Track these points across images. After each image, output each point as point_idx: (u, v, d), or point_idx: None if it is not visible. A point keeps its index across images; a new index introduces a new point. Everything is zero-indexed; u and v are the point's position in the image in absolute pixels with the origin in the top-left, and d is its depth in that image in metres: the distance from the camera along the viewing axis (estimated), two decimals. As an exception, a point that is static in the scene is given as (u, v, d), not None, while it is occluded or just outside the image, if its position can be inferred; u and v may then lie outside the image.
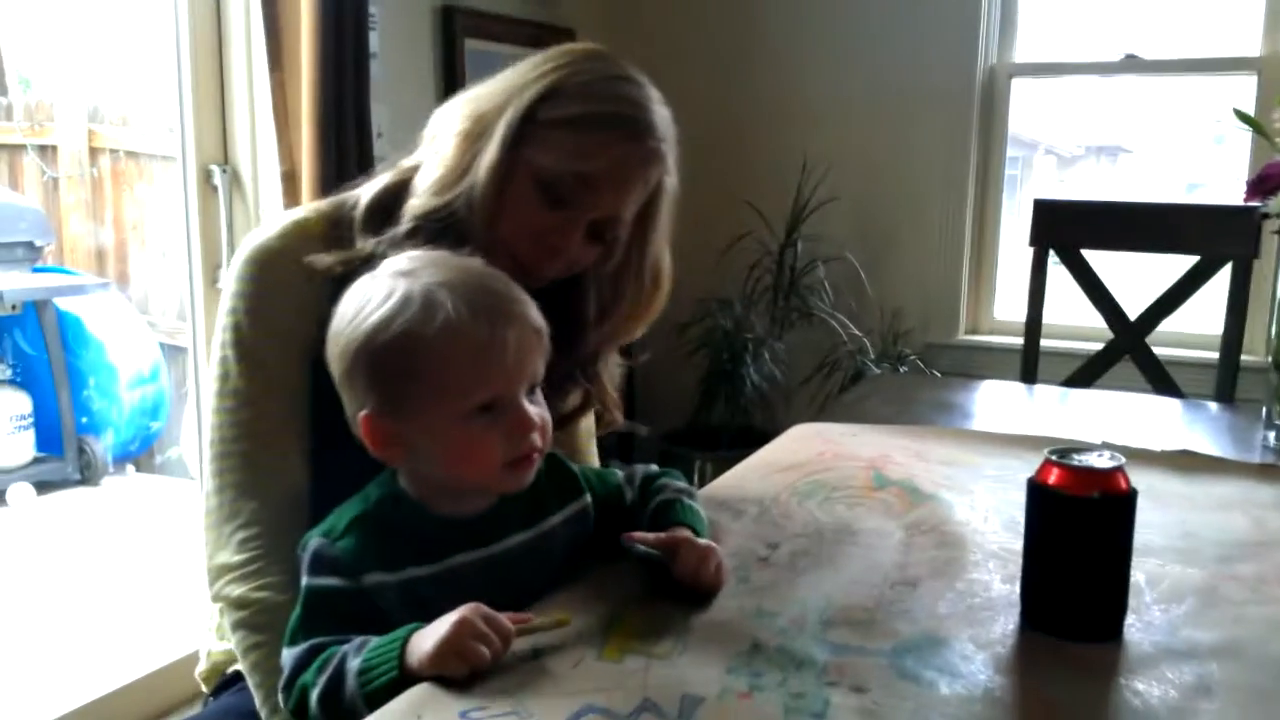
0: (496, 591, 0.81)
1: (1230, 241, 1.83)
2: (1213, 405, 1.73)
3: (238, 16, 2.21)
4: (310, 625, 0.82)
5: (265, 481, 1.00)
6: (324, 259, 1.00)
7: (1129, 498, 0.83)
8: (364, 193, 1.06)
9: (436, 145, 1.04)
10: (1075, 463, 0.84)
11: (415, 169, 1.05)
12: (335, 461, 0.92)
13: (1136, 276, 2.27)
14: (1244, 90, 2.75)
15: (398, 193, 1.04)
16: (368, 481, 0.89)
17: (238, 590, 0.97)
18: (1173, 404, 1.72)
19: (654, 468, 1.04)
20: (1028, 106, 3.07)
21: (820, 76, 3.14)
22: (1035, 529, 0.86)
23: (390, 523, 0.86)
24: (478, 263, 0.88)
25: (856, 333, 3.02)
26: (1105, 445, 0.89)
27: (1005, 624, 0.86)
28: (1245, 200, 1.36)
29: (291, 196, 2.17)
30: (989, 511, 1.10)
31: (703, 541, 0.91)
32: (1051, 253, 1.96)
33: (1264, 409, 1.40)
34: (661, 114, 1.06)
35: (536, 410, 0.85)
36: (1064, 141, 3.36)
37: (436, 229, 1.00)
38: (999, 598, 0.90)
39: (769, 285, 3.07)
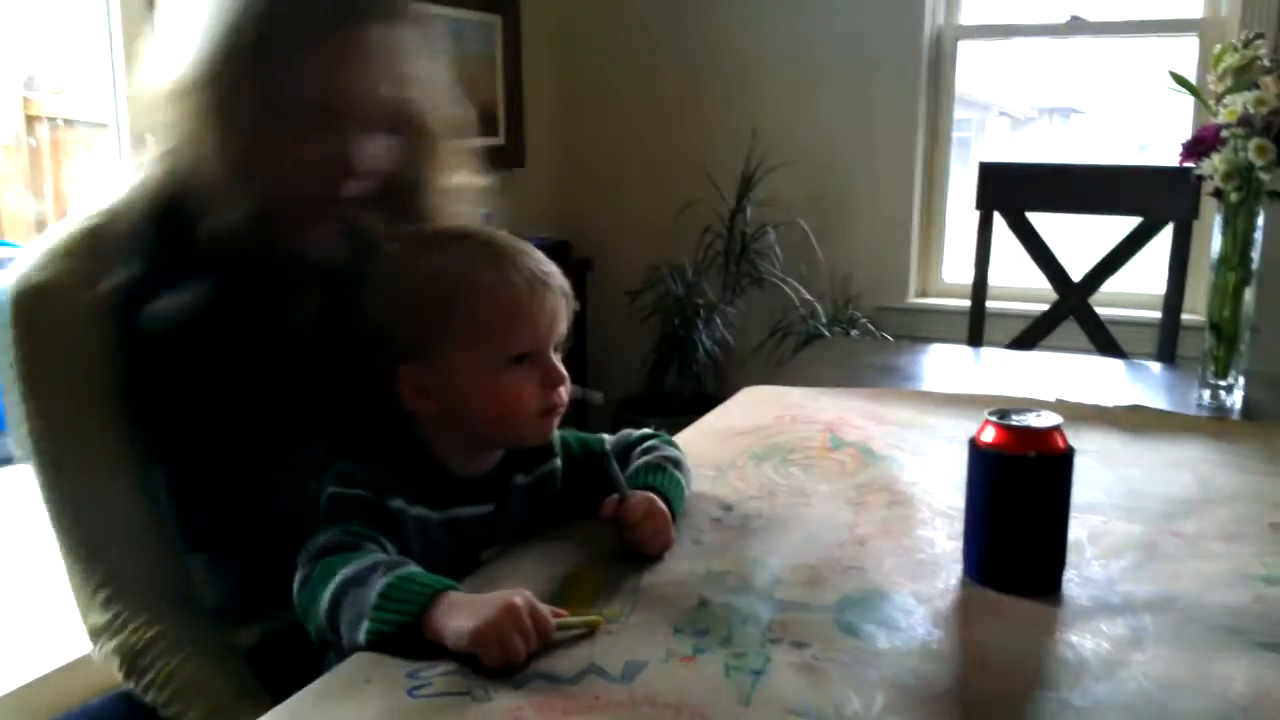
0: (454, 551, 0.86)
1: (1171, 203, 1.86)
2: (1154, 365, 1.76)
3: (172, -21, 2.16)
4: (336, 521, 0.84)
5: (102, 535, 0.94)
6: (103, 289, 0.90)
7: (1065, 456, 0.85)
8: (125, 207, 0.95)
9: (180, 142, 0.92)
10: (1013, 422, 0.86)
11: (170, 173, 0.95)
12: (194, 478, 0.93)
13: (1080, 238, 2.30)
14: (1187, 52, 2.79)
15: (171, 199, 0.94)
16: (235, 493, 0.94)
17: (116, 642, 0.93)
18: (1115, 364, 1.75)
19: (644, 431, 1.05)
20: (979, 68, 3.09)
21: (769, 41, 3.13)
22: (975, 487, 0.88)
23: (403, 468, 0.89)
24: (496, 231, 0.94)
25: (808, 297, 3.04)
26: (1058, 403, 0.91)
27: (948, 579, 0.88)
28: (1181, 162, 1.38)
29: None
30: (940, 471, 1.12)
31: (657, 503, 0.92)
32: (997, 215, 1.98)
33: (1200, 368, 1.44)
34: None
35: (560, 365, 0.91)
36: (1017, 103, 3.38)
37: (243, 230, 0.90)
38: (944, 554, 0.92)
39: (720, 251, 3.08)
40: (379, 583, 0.76)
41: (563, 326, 0.92)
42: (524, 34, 3.15)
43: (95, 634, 0.96)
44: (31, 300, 0.90)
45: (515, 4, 3.10)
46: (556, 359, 0.91)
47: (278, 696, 0.72)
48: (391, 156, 0.95)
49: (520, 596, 0.75)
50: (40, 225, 4.01)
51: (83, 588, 0.95)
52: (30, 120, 3.99)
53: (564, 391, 0.91)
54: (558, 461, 0.98)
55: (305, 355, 0.96)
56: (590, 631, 0.78)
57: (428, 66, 0.96)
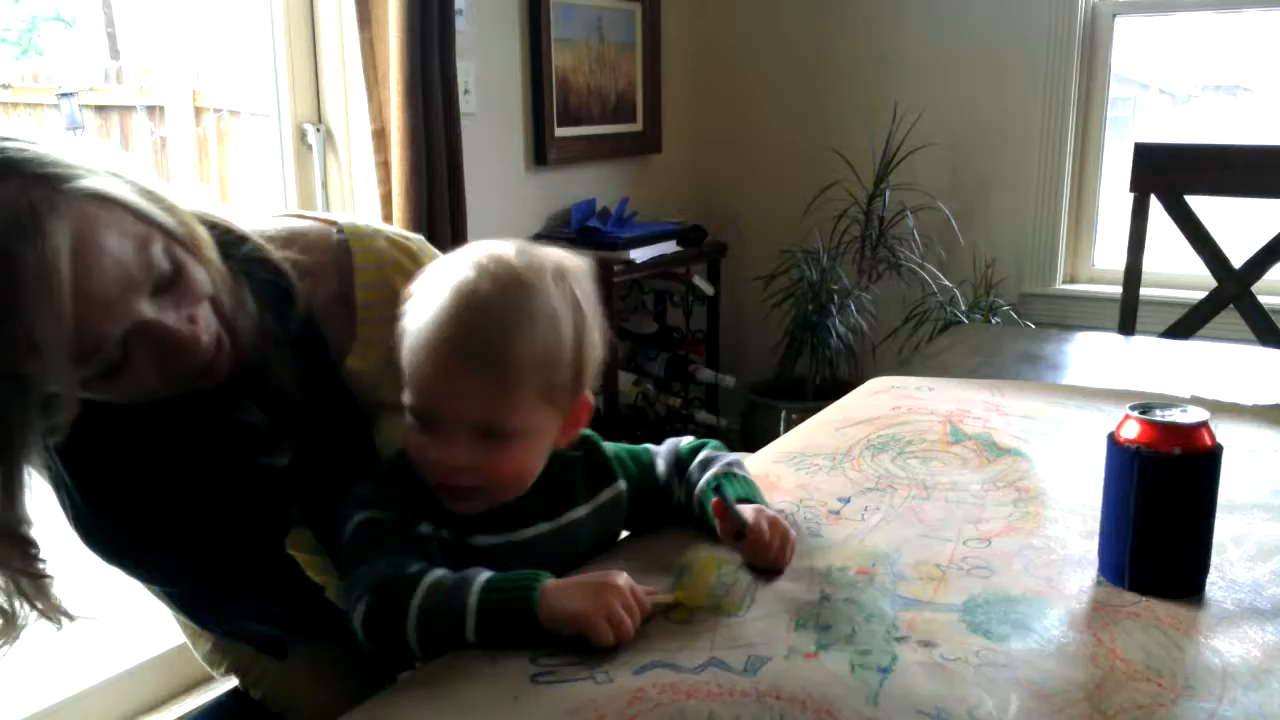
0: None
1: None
2: (1321, 357, 1.66)
3: (328, -24, 2.25)
4: (373, 551, 0.79)
5: None
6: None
7: (1213, 454, 0.81)
8: None
9: None
10: (1157, 418, 0.82)
11: None
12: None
13: (1243, 222, 2.18)
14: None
15: None
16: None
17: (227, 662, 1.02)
18: (1278, 355, 1.65)
19: (686, 440, 0.98)
20: (1137, 45, 2.93)
21: (913, 20, 3.05)
22: (1114, 485, 0.85)
23: (423, 495, 0.84)
24: (490, 281, 0.80)
25: (947, 283, 2.96)
26: (1194, 400, 0.87)
27: (1081, 580, 0.85)
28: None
29: (382, 153, 2.22)
30: (1069, 467, 1.09)
31: (768, 514, 0.88)
32: (1154, 198, 1.89)
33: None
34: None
35: (451, 450, 0.80)
36: (1179, 81, 3.19)
37: None
38: (1076, 554, 0.89)
39: (856, 236, 3.03)
40: (475, 584, 0.75)
41: (478, 412, 0.79)
42: (662, 21, 3.16)
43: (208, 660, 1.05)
44: None
45: (657, -6, 3.12)
46: (474, 444, 0.79)
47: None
48: (195, 289, 0.82)
49: (619, 575, 0.76)
50: (206, 211, 4.26)
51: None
52: (197, 111, 4.24)
53: (450, 478, 0.81)
54: (621, 483, 0.92)
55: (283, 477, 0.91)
56: (675, 606, 0.79)
57: (115, 241, 0.75)
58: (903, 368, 1.49)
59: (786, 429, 1.26)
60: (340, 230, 0.97)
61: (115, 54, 4.51)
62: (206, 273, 0.82)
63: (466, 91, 2.43)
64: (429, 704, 0.69)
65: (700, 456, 0.96)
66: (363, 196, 2.32)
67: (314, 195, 2.34)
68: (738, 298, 3.28)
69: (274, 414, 0.88)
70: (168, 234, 0.79)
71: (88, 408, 0.79)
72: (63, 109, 3.90)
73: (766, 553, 0.85)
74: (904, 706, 0.67)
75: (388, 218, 2.21)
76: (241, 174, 4.16)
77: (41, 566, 0.81)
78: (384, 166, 2.22)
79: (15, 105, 4.17)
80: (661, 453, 0.97)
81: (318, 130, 2.33)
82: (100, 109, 4.19)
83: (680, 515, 0.94)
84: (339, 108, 2.33)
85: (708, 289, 3.12)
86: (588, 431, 0.92)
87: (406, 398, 0.81)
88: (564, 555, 0.86)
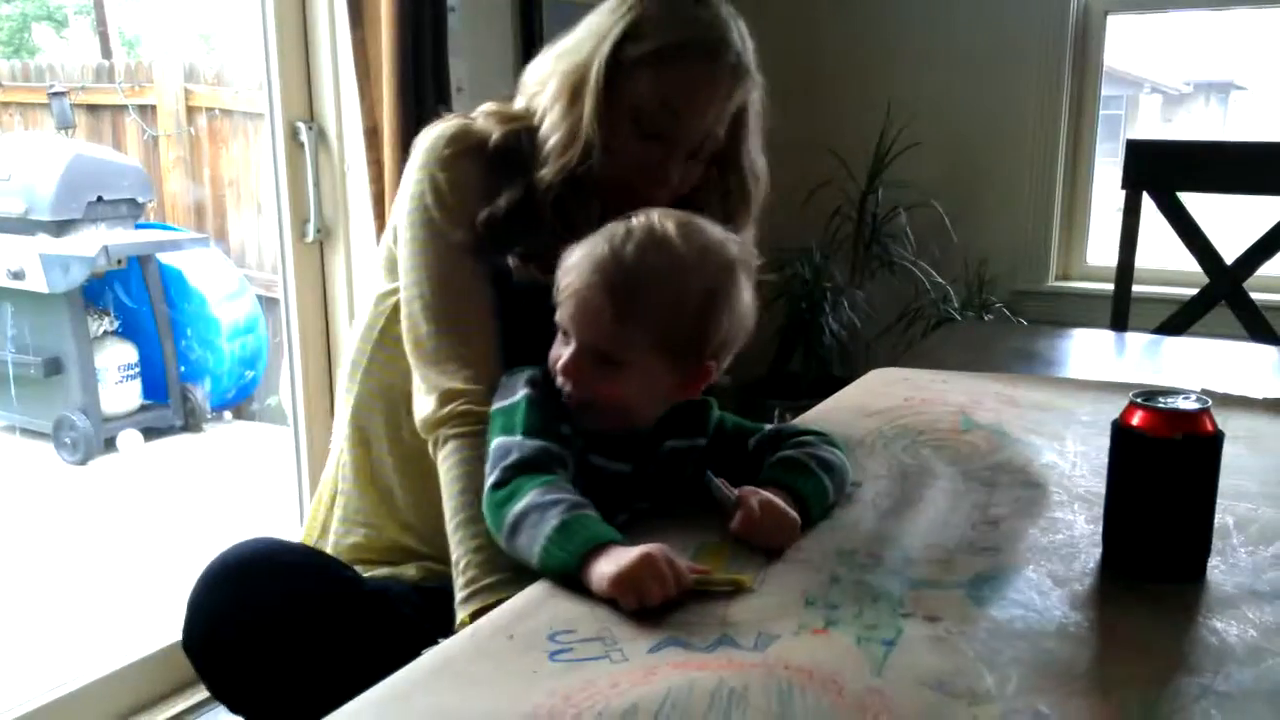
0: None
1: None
2: (1313, 351, 1.67)
3: (320, -27, 2.25)
4: (533, 423, 0.93)
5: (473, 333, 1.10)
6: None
7: (1214, 439, 0.83)
8: (490, 128, 1.15)
9: (544, 104, 1.12)
10: (1160, 404, 0.83)
11: (526, 116, 1.15)
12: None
13: (1234, 218, 2.19)
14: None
15: (518, 139, 1.13)
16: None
17: (470, 407, 1.06)
18: (1270, 351, 1.67)
19: (812, 429, 1.04)
20: (1129, 43, 2.96)
21: (905, 18, 3.07)
22: (1119, 470, 0.86)
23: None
24: (649, 235, 0.95)
25: (940, 280, 2.98)
26: (1204, 393, 0.88)
27: (1086, 562, 0.86)
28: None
29: (374, 151, 2.21)
30: (1078, 455, 1.10)
31: (776, 502, 0.90)
32: (1146, 195, 1.91)
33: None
34: (735, 30, 1.12)
35: (572, 359, 0.94)
36: (1171, 79, 3.22)
37: (568, 181, 1.10)
38: (1082, 537, 0.91)
39: (850, 233, 3.04)
40: (554, 518, 0.83)
41: (593, 332, 0.94)
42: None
43: (450, 397, 1.08)
44: (452, 165, 1.13)
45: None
46: (579, 356, 0.94)
47: None
48: (696, 181, 1.14)
49: (658, 548, 0.79)
50: (199, 210, 4.26)
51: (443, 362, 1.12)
52: (190, 110, 4.23)
53: (558, 378, 0.96)
54: (702, 441, 1.01)
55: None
56: (735, 590, 0.80)
57: (754, 147, 1.19)
58: (897, 365, 1.50)
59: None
60: None
61: (107, 54, 4.50)
62: (694, 177, 1.16)
63: (459, 90, 2.42)
64: (448, 680, 0.70)
65: (802, 436, 1.02)
66: (355, 195, 2.32)
67: (306, 193, 2.34)
68: (731, 296, 3.28)
69: None
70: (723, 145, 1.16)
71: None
72: (54, 108, 3.90)
73: (754, 532, 0.88)
74: (907, 678, 0.69)
75: (380, 216, 2.21)
76: (233, 172, 4.16)
77: None
78: (376, 165, 2.22)
79: (7, 104, 4.16)
80: (767, 430, 1.05)
81: (310, 128, 2.32)
82: (92, 108, 4.19)
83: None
84: (331, 106, 2.32)
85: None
86: (707, 399, 1.04)
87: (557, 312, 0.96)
88: (639, 492, 0.97)
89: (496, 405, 0.98)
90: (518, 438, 0.92)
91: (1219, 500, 0.85)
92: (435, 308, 1.08)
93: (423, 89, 2.20)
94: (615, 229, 0.96)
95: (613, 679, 0.68)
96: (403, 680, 0.70)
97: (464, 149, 1.13)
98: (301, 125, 2.32)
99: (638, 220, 0.96)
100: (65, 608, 2.61)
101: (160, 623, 2.05)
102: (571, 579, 0.80)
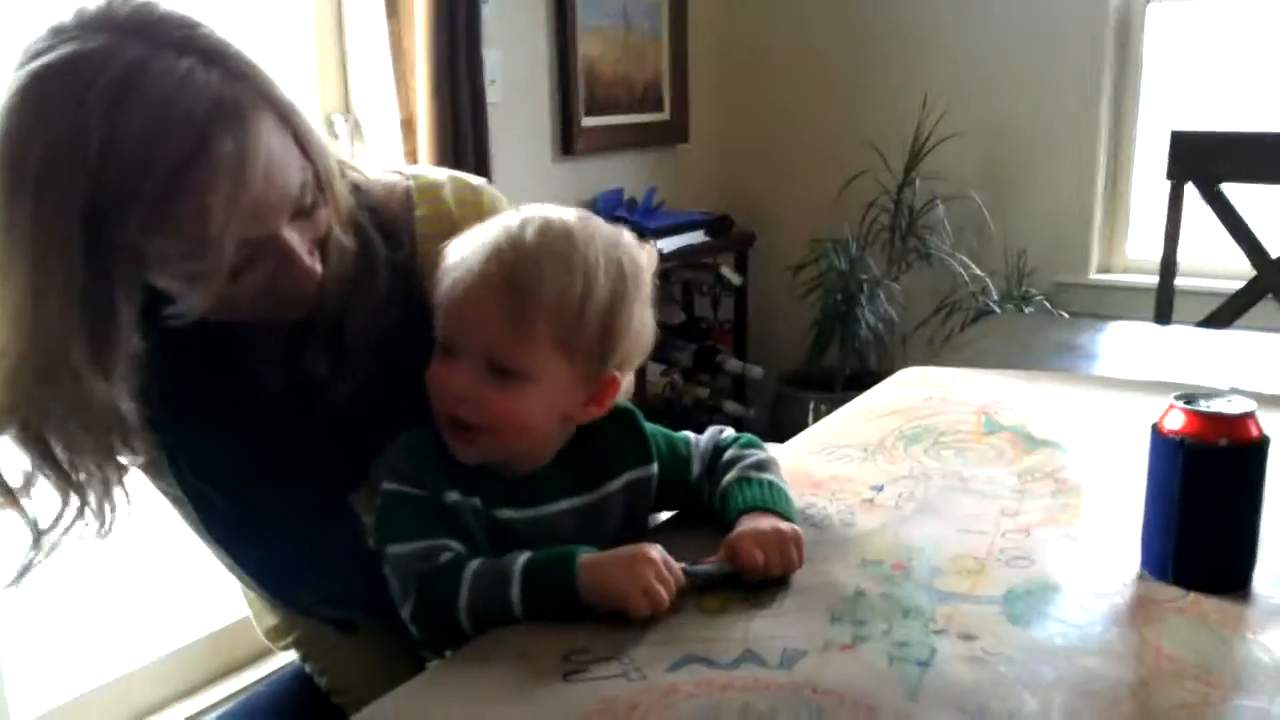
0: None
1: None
2: (1365, 347, 1.62)
3: (355, -33, 2.26)
4: (403, 528, 0.81)
5: None
6: None
7: (1260, 446, 0.79)
8: None
9: None
10: (1202, 408, 0.80)
11: None
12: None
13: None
14: None
15: None
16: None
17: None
18: (1320, 346, 1.62)
19: (727, 434, 0.95)
20: (1173, 32, 2.89)
21: (943, 9, 3.01)
22: (1158, 477, 0.83)
23: (453, 463, 0.84)
24: (548, 222, 0.83)
25: (979, 273, 2.93)
26: (1232, 391, 0.85)
27: (1124, 574, 0.84)
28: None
29: (410, 142, 2.22)
30: (1108, 458, 1.07)
31: (761, 528, 0.83)
32: (1191, 186, 1.86)
33: None
34: (187, 65, 0.74)
35: (464, 374, 0.80)
36: (1215, 68, 3.15)
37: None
38: (1118, 547, 0.88)
39: (886, 225, 3.00)
40: (516, 571, 0.76)
41: (489, 340, 0.80)
42: (689, 9, 3.14)
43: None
44: None
45: (684, -18, 3.10)
46: (463, 369, 0.80)
47: None
48: (318, 226, 0.85)
49: (652, 548, 0.76)
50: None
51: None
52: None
53: (442, 404, 0.82)
54: (654, 467, 0.90)
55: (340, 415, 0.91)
56: (710, 587, 0.78)
57: (288, 159, 0.80)
58: (934, 359, 1.47)
59: (815, 420, 1.25)
60: (407, 179, 0.98)
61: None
62: (331, 214, 0.86)
63: (493, 81, 2.42)
64: (457, 701, 0.68)
65: (726, 455, 0.93)
66: (390, 187, 2.32)
67: (342, 186, 2.34)
68: (765, 288, 3.26)
69: (340, 359, 0.89)
70: (318, 171, 0.83)
71: (164, 340, 0.81)
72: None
73: (770, 570, 0.81)
74: (944, 702, 0.66)
75: (415, 208, 2.21)
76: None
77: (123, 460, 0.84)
78: (411, 156, 2.22)
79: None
80: (699, 446, 0.94)
81: (346, 120, 2.33)
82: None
83: (712, 515, 0.91)
84: (367, 98, 2.32)
85: (735, 279, 3.11)
86: (628, 406, 0.90)
87: (436, 327, 0.82)
88: (591, 534, 0.84)
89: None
90: (402, 547, 0.80)
91: (1265, 507, 0.81)
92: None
93: (457, 80, 2.21)
94: (507, 219, 0.83)
95: (631, 700, 0.66)
96: (411, 698, 0.69)
97: None
98: (338, 117, 2.32)
99: (530, 210, 0.84)
100: (77, 610, 2.61)
101: (172, 624, 2.05)
102: (569, 607, 0.75)
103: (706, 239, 2.96)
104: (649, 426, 0.92)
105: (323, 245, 0.86)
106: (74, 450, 0.80)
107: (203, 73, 0.74)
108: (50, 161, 0.71)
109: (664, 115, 3.13)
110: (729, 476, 0.90)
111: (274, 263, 0.81)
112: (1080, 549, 0.88)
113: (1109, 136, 2.91)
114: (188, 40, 0.75)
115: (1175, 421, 0.81)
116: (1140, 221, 2.95)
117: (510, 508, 0.84)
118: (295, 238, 0.81)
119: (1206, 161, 1.88)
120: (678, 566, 0.77)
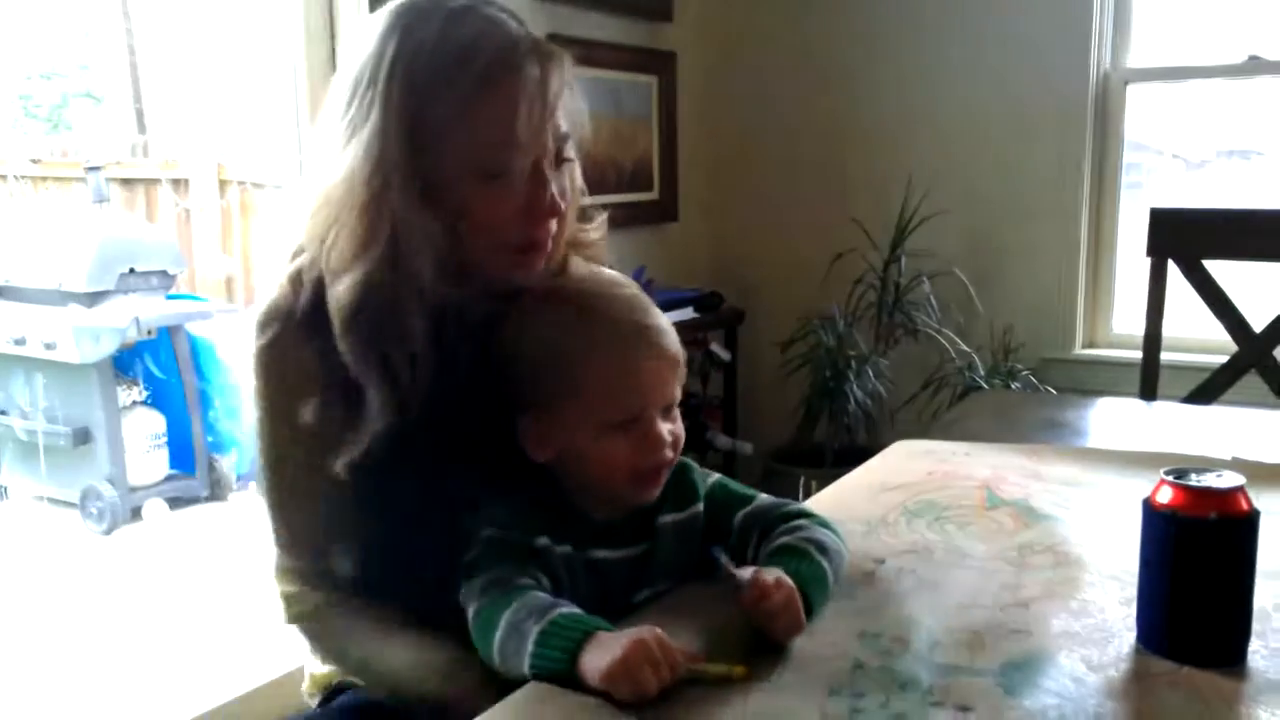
0: (602, 593, 0.88)
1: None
2: (1348, 421, 1.64)
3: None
4: (493, 564, 0.88)
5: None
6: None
7: (1250, 519, 0.81)
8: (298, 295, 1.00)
9: (327, 220, 0.96)
10: (1192, 483, 0.82)
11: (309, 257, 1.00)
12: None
13: (1263, 284, 2.17)
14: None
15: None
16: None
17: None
18: (1304, 420, 1.64)
19: (801, 508, 1.00)
20: (1149, 111, 2.97)
21: (926, 89, 3.10)
22: (1150, 551, 0.84)
23: (545, 509, 0.93)
24: (623, 287, 0.96)
25: (965, 349, 2.96)
26: (1235, 461, 0.86)
27: (1120, 647, 0.84)
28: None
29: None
30: (1108, 532, 1.08)
31: (786, 581, 0.85)
32: (1172, 263, 1.90)
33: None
34: (508, 13, 0.98)
35: (669, 427, 0.93)
36: (1192, 146, 3.23)
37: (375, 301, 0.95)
38: (1115, 620, 0.88)
39: (873, 302, 3.04)
40: (533, 629, 0.79)
41: (672, 391, 0.93)
42: (678, 94, 3.21)
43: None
44: (267, 355, 1.00)
45: (670, 66, 3.18)
46: (665, 422, 0.92)
47: None
48: (570, 188, 1.01)
49: (650, 632, 0.76)
50: (229, 282, 4.32)
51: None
52: (222, 184, 4.32)
53: (666, 453, 0.92)
54: (700, 506, 0.98)
55: (462, 402, 0.99)
56: (729, 678, 0.77)
57: (580, 97, 1.01)
58: (923, 435, 1.48)
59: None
60: None
61: (142, 129, 4.62)
62: (570, 190, 1.01)
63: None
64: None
65: (791, 524, 0.95)
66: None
67: (336, 264, 2.37)
68: (755, 364, 3.28)
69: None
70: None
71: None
72: (90, 182, 3.99)
73: (769, 607, 0.83)
74: (943, 776, 0.66)
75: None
76: (265, 245, 4.23)
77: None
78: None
79: (44, 179, 4.26)
80: (762, 505, 0.99)
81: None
82: (126, 182, 4.28)
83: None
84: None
85: (725, 355, 3.13)
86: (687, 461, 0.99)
87: (606, 416, 0.90)
88: (644, 574, 0.94)
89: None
90: (481, 579, 0.88)
91: (1258, 580, 0.82)
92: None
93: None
94: (600, 294, 0.95)
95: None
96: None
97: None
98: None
99: (596, 275, 1.00)
100: (89, 678, 2.60)
101: (182, 695, 2.04)
102: (569, 680, 0.77)
103: (696, 315, 2.99)
104: (710, 475, 1.01)
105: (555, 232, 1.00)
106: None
107: (525, 29, 0.97)
108: (397, 56, 0.92)
109: (653, 195, 3.18)
110: (786, 539, 0.93)
111: (529, 190, 0.95)
112: (1078, 622, 0.88)
113: (1090, 213, 2.97)
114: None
115: (1165, 496, 0.82)
116: (1125, 297, 2.99)
117: (606, 548, 0.93)
118: (550, 178, 0.97)
119: (1186, 238, 1.92)
120: (679, 653, 0.77)
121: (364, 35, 0.97)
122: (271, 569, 1.04)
